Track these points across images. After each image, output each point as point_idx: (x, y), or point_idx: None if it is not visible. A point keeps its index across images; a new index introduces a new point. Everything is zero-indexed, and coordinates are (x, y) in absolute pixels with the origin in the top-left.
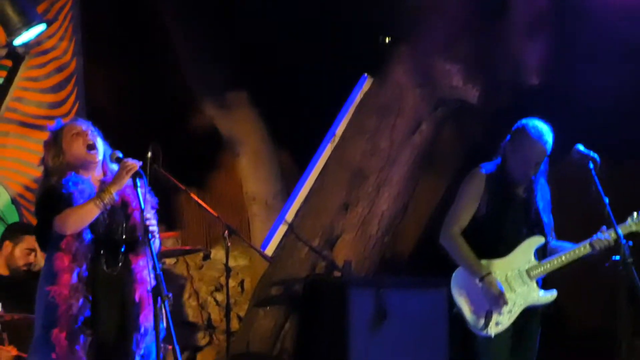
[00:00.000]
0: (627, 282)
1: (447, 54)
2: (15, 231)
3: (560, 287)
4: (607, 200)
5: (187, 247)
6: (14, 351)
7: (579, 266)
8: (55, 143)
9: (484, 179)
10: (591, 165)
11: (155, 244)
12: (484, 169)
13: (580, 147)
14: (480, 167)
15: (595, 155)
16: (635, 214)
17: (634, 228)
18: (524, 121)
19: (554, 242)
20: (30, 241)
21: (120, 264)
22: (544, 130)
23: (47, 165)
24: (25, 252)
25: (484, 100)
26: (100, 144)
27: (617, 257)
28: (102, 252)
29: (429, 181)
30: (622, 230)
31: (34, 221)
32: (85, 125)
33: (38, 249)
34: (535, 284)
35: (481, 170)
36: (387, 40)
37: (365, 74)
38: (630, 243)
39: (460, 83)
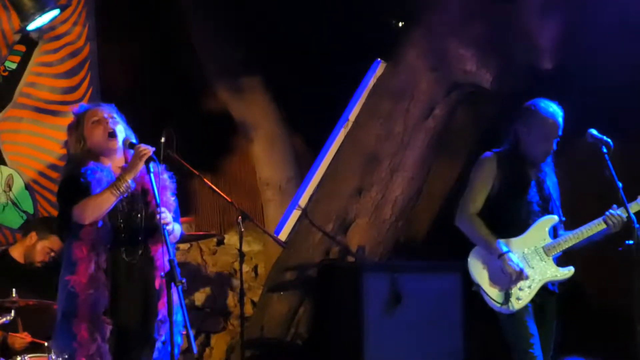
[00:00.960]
0: None
1: (461, 38)
2: (44, 226)
3: (578, 269)
4: (620, 184)
5: (201, 233)
6: (28, 337)
7: (594, 247)
8: (77, 128)
9: (495, 160)
10: (604, 150)
11: (176, 228)
12: (496, 152)
13: (594, 132)
14: (492, 150)
15: (609, 140)
16: None
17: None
18: (533, 101)
19: (561, 231)
20: (53, 241)
21: (140, 252)
22: (556, 110)
23: (69, 151)
24: (45, 250)
25: (498, 84)
26: (121, 129)
27: (631, 242)
28: (121, 241)
29: (442, 165)
30: (632, 209)
31: (47, 207)
32: (107, 112)
33: (57, 249)
34: (552, 261)
35: (491, 154)
36: (400, 24)
37: (379, 59)
38: None
39: (474, 68)
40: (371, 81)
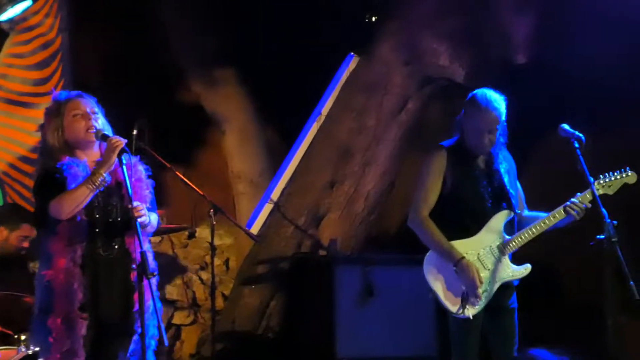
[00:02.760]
0: (612, 261)
1: (435, 32)
2: (13, 216)
3: (550, 263)
4: (592, 179)
5: (173, 225)
6: None
7: (567, 242)
8: (56, 116)
9: (445, 154)
10: (576, 145)
11: (153, 219)
12: (444, 145)
13: (566, 127)
14: (440, 144)
15: (581, 135)
16: (600, 177)
17: (600, 191)
18: (473, 92)
19: (526, 212)
20: (26, 229)
21: (116, 246)
22: (494, 97)
23: (46, 139)
24: (20, 239)
25: (472, 78)
26: (101, 124)
27: (602, 236)
28: (98, 235)
29: (415, 159)
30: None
31: (18, 199)
32: (89, 106)
33: (32, 235)
34: (507, 260)
35: (441, 147)
36: (374, 18)
37: (352, 53)
38: (615, 222)
39: (447, 62)
40: (344, 75)
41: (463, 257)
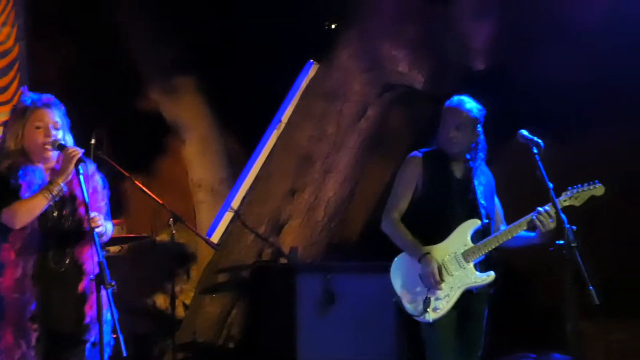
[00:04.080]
0: (571, 266)
1: (394, 39)
2: None
3: (511, 270)
4: (551, 185)
5: (132, 235)
6: None
7: (527, 250)
8: (20, 120)
9: (421, 161)
10: (535, 150)
11: (108, 228)
12: (421, 152)
13: (525, 132)
14: (418, 150)
15: (539, 141)
16: (569, 189)
17: (567, 202)
18: (450, 99)
19: (503, 227)
20: None
21: (67, 259)
22: (464, 99)
23: (5, 139)
24: None
25: (431, 85)
26: (61, 136)
27: (561, 242)
28: (49, 247)
29: (376, 166)
30: (560, 204)
31: None
32: (53, 119)
33: None
34: (472, 267)
35: (417, 153)
36: (333, 25)
37: (311, 60)
38: (574, 227)
39: (406, 69)
40: (304, 82)
41: (428, 253)
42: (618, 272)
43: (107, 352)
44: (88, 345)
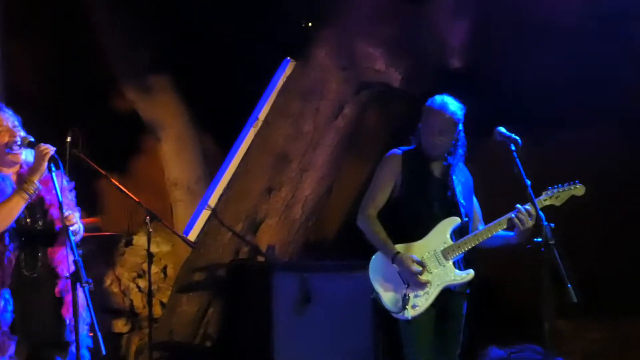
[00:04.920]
0: (549, 264)
1: (370, 37)
2: None
3: (489, 268)
4: (529, 182)
5: (109, 233)
6: None
7: (504, 248)
8: None
9: (400, 159)
10: (513, 147)
11: (77, 230)
12: (401, 150)
13: (502, 130)
14: (398, 148)
15: (517, 138)
16: (549, 188)
17: (547, 202)
18: (431, 97)
19: (481, 227)
20: None
21: (40, 263)
22: (448, 101)
23: None
24: None
25: (408, 83)
26: (23, 133)
27: (539, 239)
28: (21, 254)
29: (353, 164)
30: (538, 204)
31: None
32: (11, 119)
33: None
34: (451, 265)
35: (397, 151)
36: (309, 23)
37: (288, 58)
38: (552, 225)
39: (383, 67)
40: (280, 80)
41: (398, 252)
42: (596, 270)
43: (85, 355)
44: (73, 347)
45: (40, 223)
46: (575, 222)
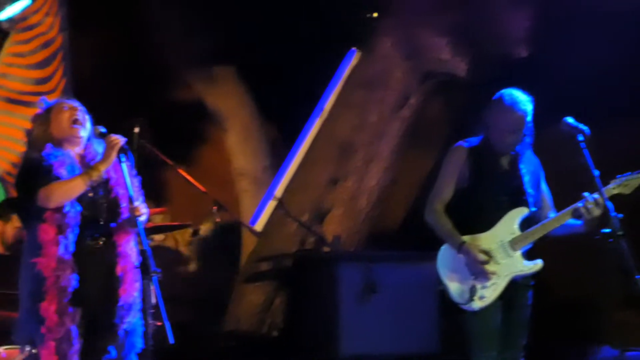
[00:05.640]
0: (616, 255)
1: (435, 27)
2: (3, 210)
3: (549, 260)
4: (597, 172)
5: (176, 223)
6: None
7: (571, 239)
8: (44, 114)
9: (466, 152)
10: (580, 138)
11: (145, 220)
12: (467, 142)
13: (570, 120)
14: (464, 140)
15: (585, 128)
16: (618, 177)
17: (616, 191)
18: (501, 92)
19: (552, 214)
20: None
21: (103, 239)
22: (520, 98)
23: (31, 135)
24: (16, 229)
25: (473, 72)
26: (87, 122)
27: (608, 230)
28: (86, 225)
29: (417, 155)
30: (606, 193)
31: None
32: (76, 104)
33: None
34: (519, 255)
35: (463, 143)
36: (374, 14)
37: (354, 48)
38: (621, 215)
39: (448, 56)
40: (346, 71)
41: (464, 242)
42: None
43: (147, 339)
44: (121, 330)
45: (105, 200)
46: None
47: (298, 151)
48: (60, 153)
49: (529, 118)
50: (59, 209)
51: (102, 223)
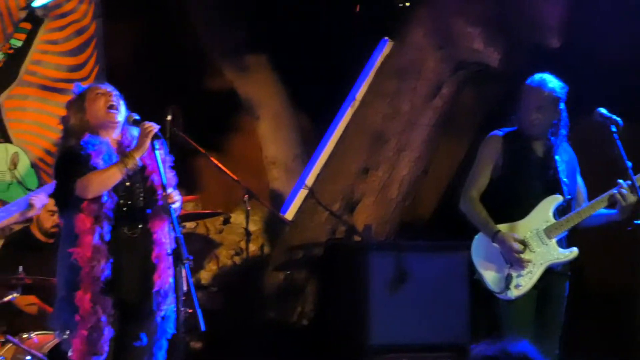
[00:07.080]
0: None
1: (467, 16)
2: None
3: (583, 248)
4: (630, 163)
5: (207, 211)
6: (36, 300)
7: (604, 227)
8: (78, 101)
9: (501, 140)
10: (614, 129)
11: (178, 208)
12: (502, 131)
13: (603, 110)
14: (499, 130)
15: (618, 119)
16: None
17: None
18: (531, 76)
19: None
20: (53, 203)
21: (140, 226)
22: (547, 78)
23: (67, 123)
24: (49, 214)
25: (505, 62)
26: (122, 107)
27: None
28: (123, 215)
29: (448, 145)
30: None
31: None
32: (110, 88)
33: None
34: (554, 243)
35: (498, 132)
36: (407, 3)
37: (386, 37)
38: None
39: (481, 46)
40: (378, 60)
41: (499, 231)
42: None
43: (180, 324)
44: (158, 317)
45: (141, 188)
46: None
47: (329, 140)
48: (98, 141)
49: (561, 104)
50: (96, 199)
51: (137, 213)
